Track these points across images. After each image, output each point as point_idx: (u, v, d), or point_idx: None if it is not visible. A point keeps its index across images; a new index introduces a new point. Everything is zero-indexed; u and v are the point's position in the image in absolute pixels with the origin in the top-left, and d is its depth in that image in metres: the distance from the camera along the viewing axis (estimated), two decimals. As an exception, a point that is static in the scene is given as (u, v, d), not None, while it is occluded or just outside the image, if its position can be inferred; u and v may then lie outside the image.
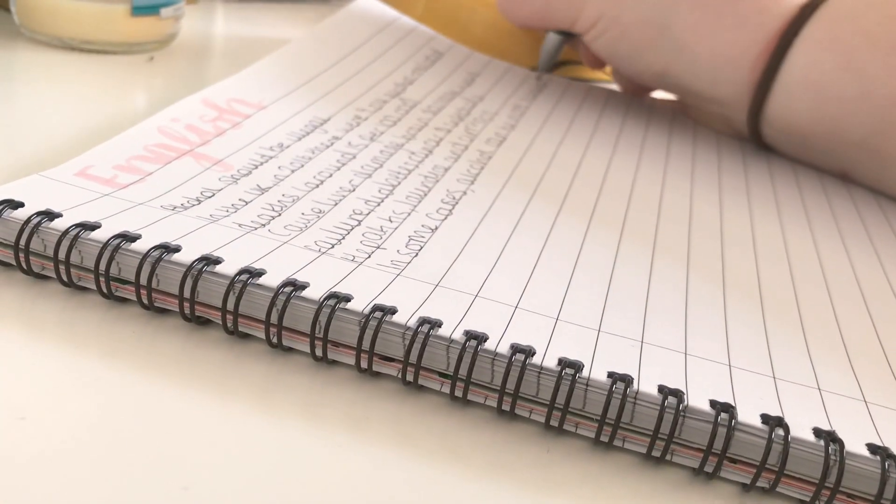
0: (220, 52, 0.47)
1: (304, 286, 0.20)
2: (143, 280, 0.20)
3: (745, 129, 0.38)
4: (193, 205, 0.24)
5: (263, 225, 0.24)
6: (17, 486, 0.16)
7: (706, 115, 0.41)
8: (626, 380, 0.19)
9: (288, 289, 0.20)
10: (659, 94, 0.45)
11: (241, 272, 0.20)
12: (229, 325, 0.20)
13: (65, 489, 0.16)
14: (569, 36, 0.42)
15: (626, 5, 0.37)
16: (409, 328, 0.20)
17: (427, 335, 0.19)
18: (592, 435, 0.19)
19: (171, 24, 0.41)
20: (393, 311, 0.20)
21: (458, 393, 0.20)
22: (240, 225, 0.23)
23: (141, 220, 0.22)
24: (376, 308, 0.20)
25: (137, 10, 0.39)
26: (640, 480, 0.19)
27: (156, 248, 0.21)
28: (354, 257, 0.23)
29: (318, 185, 0.27)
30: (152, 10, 0.40)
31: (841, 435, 0.19)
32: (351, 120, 0.33)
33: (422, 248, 0.24)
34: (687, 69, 0.37)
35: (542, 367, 0.19)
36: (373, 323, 0.20)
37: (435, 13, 0.47)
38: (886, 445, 0.18)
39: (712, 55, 0.35)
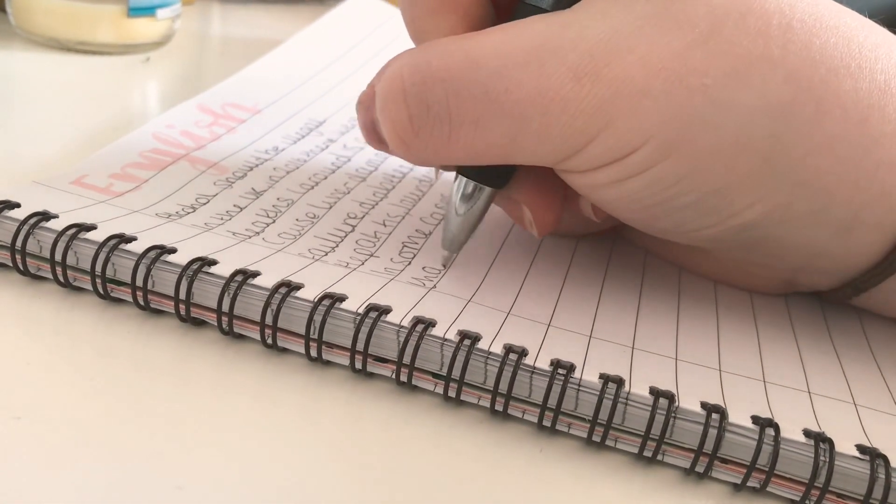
0: (217, 53, 0.47)
1: (298, 287, 0.20)
2: (139, 281, 0.21)
3: (832, 285, 0.25)
4: (189, 212, 0.24)
5: (258, 233, 0.24)
6: (13, 485, 0.16)
7: (738, 272, 0.26)
8: (618, 381, 0.19)
9: (283, 289, 0.20)
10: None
11: (235, 273, 0.20)
12: (224, 326, 0.21)
13: (60, 489, 0.16)
14: (502, 183, 0.23)
15: (704, 120, 0.20)
16: (403, 328, 0.20)
17: (421, 335, 0.20)
18: (585, 435, 0.19)
19: (168, 25, 0.41)
20: (387, 310, 0.20)
21: (452, 393, 0.20)
22: (234, 234, 0.23)
23: (135, 228, 0.22)
24: (371, 308, 0.20)
25: (133, 11, 0.39)
26: (631, 480, 0.19)
27: (151, 248, 0.21)
28: (348, 264, 0.23)
29: (312, 188, 0.27)
30: (148, 11, 0.40)
31: (830, 436, 0.19)
32: (346, 122, 0.33)
33: (415, 255, 0.24)
34: (806, 214, 0.21)
35: (534, 368, 0.19)
36: (367, 322, 0.20)
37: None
38: (875, 446, 0.19)
39: (856, 188, 0.21)
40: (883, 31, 0.22)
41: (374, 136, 0.23)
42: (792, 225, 0.22)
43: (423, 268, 0.23)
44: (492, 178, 0.23)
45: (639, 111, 0.20)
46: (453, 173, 0.23)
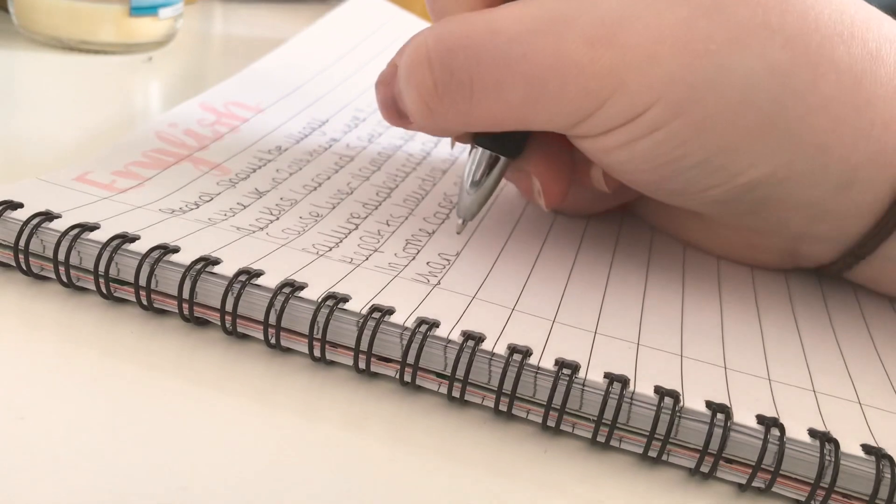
0: (219, 52, 0.47)
1: (302, 286, 0.20)
2: (143, 281, 0.21)
3: (833, 255, 0.26)
4: (192, 209, 0.24)
5: (262, 228, 0.24)
6: (17, 485, 0.16)
7: (741, 244, 0.28)
8: (623, 381, 0.19)
9: (286, 289, 0.20)
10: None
11: (239, 273, 0.20)
12: (228, 325, 0.21)
13: (64, 489, 0.16)
14: (516, 153, 0.24)
15: (709, 82, 0.21)
16: (406, 328, 0.20)
17: (425, 336, 0.20)
18: (589, 435, 0.19)
19: (170, 25, 0.41)
20: (391, 311, 0.20)
21: (456, 393, 0.20)
22: (238, 228, 0.23)
23: (139, 223, 0.22)
24: (374, 308, 0.20)
25: (136, 11, 0.39)
26: (636, 480, 0.19)
27: (155, 248, 0.21)
28: (352, 259, 0.23)
29: (315, 188, 0.27)
30: (151, 10, 0.40)
31: (836, 436, 0.19)
32: (349, 121, 0.33)
33: (419, 251, 0.24)
34: (806, 172, 0.23)
35: (539, 368, 0.19)
36: (371, 323, 0.20)
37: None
38: (881, 446, 0.19)
39: (852, 146, 0.22)
40: (873, 8, 0.23)
41: (394, 112, 0.24)
42: (793, 183, 0.23)
43: (428, 263, 0.23)
44: (506, 147, 0.24)
45: (648, 74, 0.21)
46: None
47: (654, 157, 0.22)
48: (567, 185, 0.25)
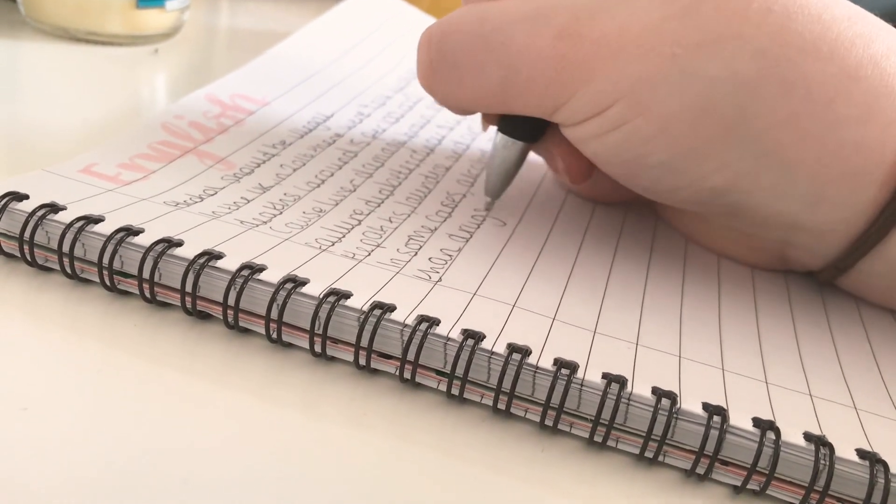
0: (225, 45, 0.47)
1: (304, 282, 0.20)
2: (146, 274, 0.21)
3: (819, 264, 0.26)
4: (196, 202, 0.24)
5: (265, 222, 0.24)
6: (19, 476, 0.16)
7: (738, 243, 0.28)
8: (621, 381, 0.19)
9: (288, 285, 0.20)
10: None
11: (242, 268, 0.20)
12: (230, 319, 0.21)
13: (66, 480, 0.16)
14: (536, 137, 0.26)
15: (671, 85, 0.22)
16: (407, 326, 0.20)
17: (425, 333, 0.20)
18: (587, 435, 0.20)
19: (176, 16, 0.42)
20: (392, 308, 0.20)
21: (455, 391, 0.20)
22: (241, 222, 0.23)
23: (144, 216, 0.22)
24: (375, 305, 0.20)
25: (143, 2, 0.39)
26: (632, 481, 0.19)
27: (158, 242, 0.21)
28: (354, 255, 0.23)
29: (319, 185, 0.27)
30: (157, 2, 0.40)
31: (831, 440, 0.19)
32: (354, 116, 0.33)
33: (421, 247, 0.24)
34: (772, 185, 0.23)
35: (537, 367, 0.19)
36: (372, 320, 0.20)
37: (442, 4, 0.47)
38: (875, 451, 0.19)
39: (819, 164, 0.22)
40: (872, 23, 0.23)
41: None
42: (761, 196, 0.23)
43: (430, 259, 0.24)
44: (525, 132, 0.26)
45: (613, 71, 0.22)
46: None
47: (621, 152, 0.23)
48: (587, 165, 0.26)
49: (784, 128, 0.22)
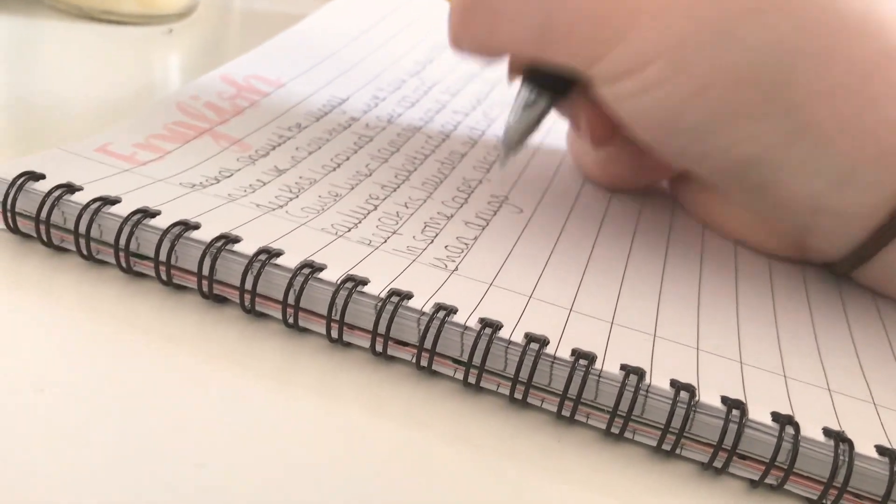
0: (239, 25, 0.46)
1: (321, 268, 0.20)
2: (163, 257, 0.21)
3: (838, 253, 0.26)
4: (212, 183, 0.24)
5: (281, 206, 0.24)
6: (35, 458, 0.16)
7: (756, 228, 0.28)
8: (640, 373, 0.19)
9: (306, 270, 0.20)
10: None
11: (259, 252, 0.20)
12: (246, 304, 0.21)
13: (80, 462, 0.16)
14: (562, 92, 0.26)
15: (714, 47, 0.22)
16: (424, 314, 0.20)
17: (442, 321, 0.20)
18: (603, 426, 0.19)
19: (191, -3, 0.41)
20: (409, 296, 0.20)
21: (472, 380, 0.20)
22: (258, 205, 0.23)
23: (160, 197, 0.22)
24: (392, 292, 0.20)
25: (157, -18, 0.39)
26: (649, 473, 0.19)
27: (175, 224, 0.21)
28: (371, 241, 0.23)
29: (335, 169, 0.27)
30: (172, -19, 0.39)
31: (850, 436, 0.19)
32: (369, 100, 0.33)
33: (437, 234, 0.24)
34: (802, 161, 0.23)
35: (555, 357, 0.19)
36: (389, 307, 0.20)
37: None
38: (895, 448, 0.19)
39: (853, 141, 0.22)
40: None
41: None
42: (789, 172, 0.23)
43: (446, 247, 0.23)
44: (552, 85, 0.25)
45: (657, 29, 0.22)
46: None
47: (656, 112, 0.23)
48: (611, 127, 0.26)
49: (821, 101, 0.22)
